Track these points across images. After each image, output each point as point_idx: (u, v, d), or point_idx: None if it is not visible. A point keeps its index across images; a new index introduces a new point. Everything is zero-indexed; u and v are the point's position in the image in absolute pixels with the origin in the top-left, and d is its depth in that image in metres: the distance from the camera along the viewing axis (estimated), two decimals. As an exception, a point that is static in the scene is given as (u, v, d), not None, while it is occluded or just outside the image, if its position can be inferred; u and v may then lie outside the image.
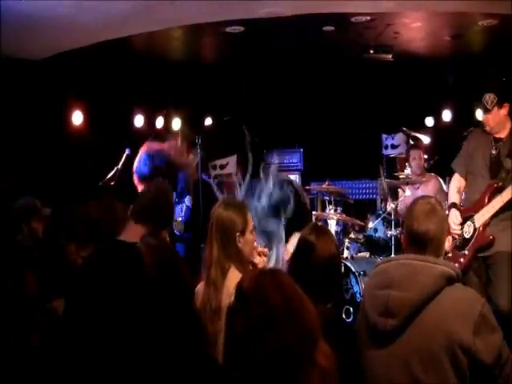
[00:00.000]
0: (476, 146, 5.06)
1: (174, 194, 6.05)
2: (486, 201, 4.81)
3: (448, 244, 2.96)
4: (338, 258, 3.39)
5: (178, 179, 6.15)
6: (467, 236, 4.85)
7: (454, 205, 5.02)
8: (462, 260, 4.77)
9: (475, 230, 4.82)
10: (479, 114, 5.12)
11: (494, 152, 4.91)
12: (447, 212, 4.84)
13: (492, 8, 6.05)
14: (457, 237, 4.87)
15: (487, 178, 4.91)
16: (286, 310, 1.94)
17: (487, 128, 4.95)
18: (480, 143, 5.03)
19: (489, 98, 4.86)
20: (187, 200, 6.21)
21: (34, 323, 3.08)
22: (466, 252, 4.82)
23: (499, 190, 4.78)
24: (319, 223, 3.45)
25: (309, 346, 1.96)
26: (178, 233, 6.03)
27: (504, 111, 4.90)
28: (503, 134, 4.93)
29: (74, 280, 2.81)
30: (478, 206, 4.86)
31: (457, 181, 5.19)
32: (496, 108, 4.87)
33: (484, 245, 4.78)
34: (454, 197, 5.11)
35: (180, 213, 6.19)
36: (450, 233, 4.74)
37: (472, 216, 4.87)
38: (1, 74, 6.38)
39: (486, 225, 4.79)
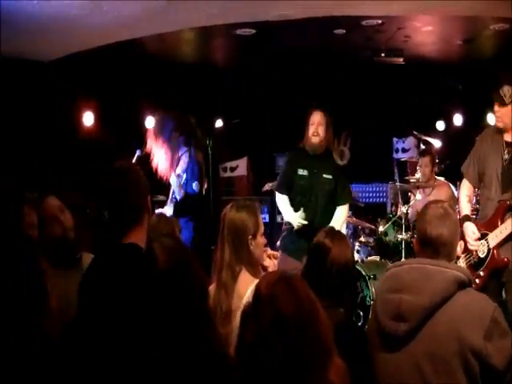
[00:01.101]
0: (487, 150, 4.81)
1: (184, 174, 6.24)
2: (499, 222, 4.58)
3: (460, 249, 2.94)
4: (352, 263, 3.38)
5: (191, 162, 6.32)
6: (481, 255, 4.62)
7: (467, 218, 4.79)
8: (477, 281, 4.54)
9: (489, 250, 4.59)
10: (491, 119, 4.92)
11: (506, 157, 4.67)
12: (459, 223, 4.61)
13: (503, 12, 6.02)
14: (474, 253, 4.65)
15: (499, 189, 4.68)
16: (298, 318, 1.91)
17: (499, 124, 4.67)
18: (491, 147, 4.78)
19: (507, 90, 4.56)
20: (195, 185, 6.34)
21: (34, 323, 3.07)
22: (482, 273, 4.60)
23: (511, 209, 4.56)
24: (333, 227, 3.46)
25: (320, 358, 1.93)
26: (178, 195, 6.18)
27: None
28: None
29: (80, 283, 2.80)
30: (491, 225, 4.63)
31: (466, 188, 4.98)
32: None
33: (500, 267, 4.55)
34: (465, 208, 4.89)
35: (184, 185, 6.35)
36: (466, 249, 4.65)
37: (486, 234, 4.64)
38: (12, 75, 6.41)
39: (499, 246, 4.56)
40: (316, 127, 5.65)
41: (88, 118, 7.64)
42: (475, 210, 5.49)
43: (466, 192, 4.97)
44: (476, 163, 4.88)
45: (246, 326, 1.97)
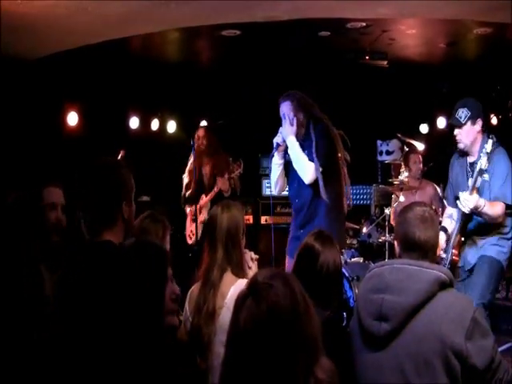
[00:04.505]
0: (456, 174, 5.11)
1: None
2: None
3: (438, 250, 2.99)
4: (340, 265, 3.39)
5: None
6: (444, 255, 4.94)
7: (442, 228, 4.99)
8: None
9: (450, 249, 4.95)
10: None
11: (471, 182, 4.89)
12: None
13: (491, 17, 6.08)
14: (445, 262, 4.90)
15: None
16: (293, 311, 1.91)
17: (460, 145, 4.93)
18: (459, 172, 5.08)
19: (462, 112, 4.85)
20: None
21: (33, 321, 3.08)
22: None
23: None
24: (323, 230, 3.42)
25: (310, 354, 1.93)
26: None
27: (477, 127, 4.87)
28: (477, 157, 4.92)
29: (59, 281, 2.79)
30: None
31: (449, 209, 5.25)
32: (470, 123, 4.84)
33: (454, 261, 4.89)
34: (445, 221, 5.15)
35: None
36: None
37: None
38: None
39: (459, 244, 4.93)
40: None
41: (72, 118, 7.60)
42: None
43: (448, 211, 5.25)
44: (451, 187, 5.19)
45: (240, 314, 1.96)
